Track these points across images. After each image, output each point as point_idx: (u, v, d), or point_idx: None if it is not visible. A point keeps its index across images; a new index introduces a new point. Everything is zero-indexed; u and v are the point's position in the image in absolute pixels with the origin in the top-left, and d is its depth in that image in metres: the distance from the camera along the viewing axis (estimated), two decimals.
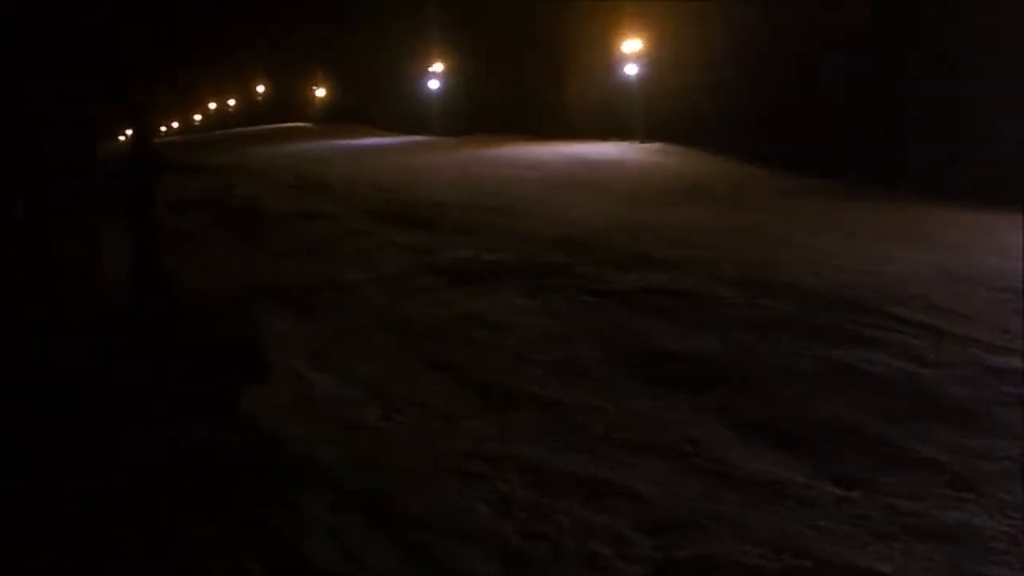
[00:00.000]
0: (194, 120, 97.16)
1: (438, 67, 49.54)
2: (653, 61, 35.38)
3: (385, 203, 23.71)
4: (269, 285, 16.35)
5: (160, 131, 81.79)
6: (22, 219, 16.44)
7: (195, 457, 9.09)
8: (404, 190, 25.76)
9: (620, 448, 8.73)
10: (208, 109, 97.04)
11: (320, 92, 68.33)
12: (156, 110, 17.72)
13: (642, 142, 34.32)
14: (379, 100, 56.93)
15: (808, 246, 16.65)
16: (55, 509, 8.35)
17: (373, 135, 50.37)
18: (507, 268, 15.89)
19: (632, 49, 35.67)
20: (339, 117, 62.25)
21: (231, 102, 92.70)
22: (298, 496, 8.03)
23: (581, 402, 9.92)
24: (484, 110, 44.97)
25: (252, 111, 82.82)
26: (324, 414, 10.12)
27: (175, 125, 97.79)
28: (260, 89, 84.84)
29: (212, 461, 8.94)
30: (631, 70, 35.73)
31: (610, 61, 36.66)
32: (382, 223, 21.18)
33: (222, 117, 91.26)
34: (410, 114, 51.84)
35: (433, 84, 49.86)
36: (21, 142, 17.22)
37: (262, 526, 7.60)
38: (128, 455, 9.34)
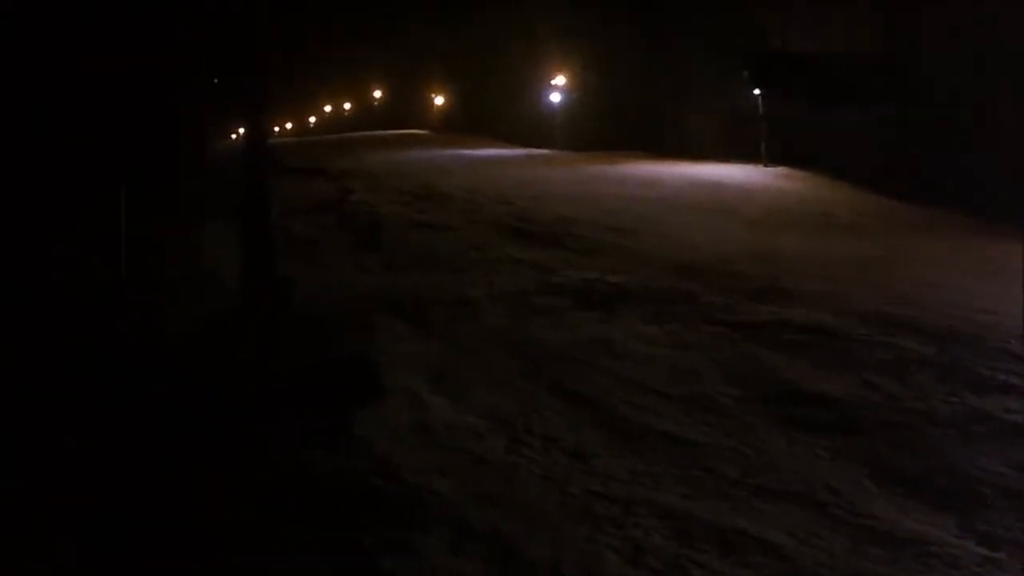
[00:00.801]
0: (308, 122, 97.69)
1: (560, 80, 48.99)
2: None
3: (507, 217, 23.38)
4: (386, 297, 16.05)
5: (274, 131, 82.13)
6: (124, 219, 16.23)
7: (308, 483, 8.73)
8: (525, 204, 25.39)
9: (757, 495, 8.23)
10: (323, 111, 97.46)
11: (438, 100, 68.22)
12: (270, 108, 17.00)
13: (766, 165, 33.63)
14: (499, 110, 56.63)
15: (945, 285, 16.00)
16: (180, 524, 8.12)
17: (492, 146, 50.10)
18: (632, 292, 15.48)
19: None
20: (457, 126, 62.16)
21: (346, 105, 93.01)
22: (414, 534, 7.60)
23: (714, 442, 9.44)
24: (606, 126, 44.49)
25: (367, 115, 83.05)
26: (444, 443, 9.68)
27: (289, 126, 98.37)
28: (376, 94, 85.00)
29: (326, 489, 8.56)
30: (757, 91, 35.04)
31: (737, 81, 35.96)
32: (504, 237, 20.89)
33: (337, 120, 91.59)
34: (530, 126, 51.50)
35: (555, 97, 49.31)
36: (123, 138, 17.05)
37: (376, 569, 7.22)
38: (244, 476, 9.04)
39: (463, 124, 61.45)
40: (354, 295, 16.67)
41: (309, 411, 10.55)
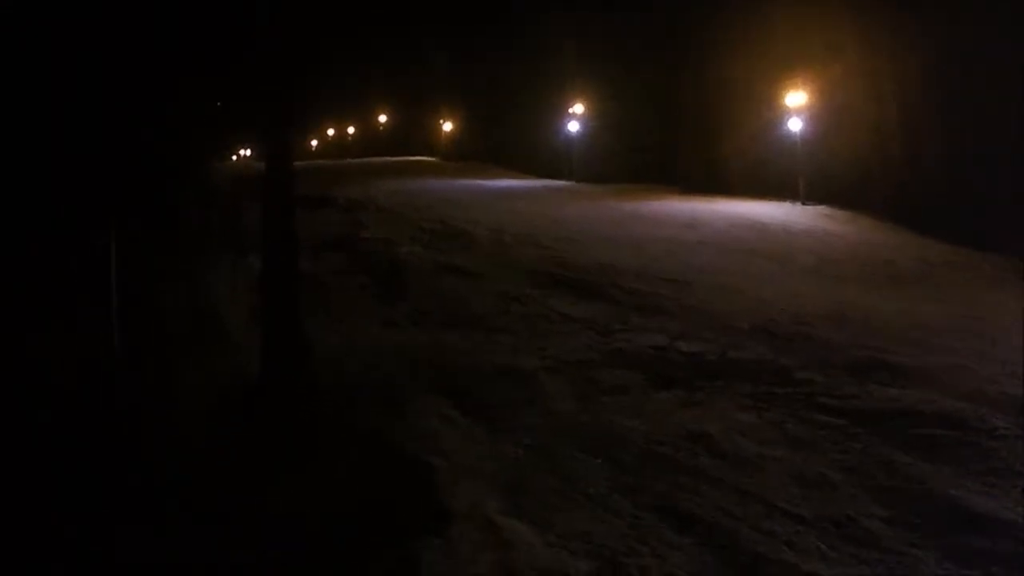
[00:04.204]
0: (310, 146, 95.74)
1: (579, 109, 46.82)
2: (816, 114, 32.51)
3: (541, 262, 21.29)
4: (424, 364, 14.03)
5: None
6: (114, 266, 14.07)
7: None
8: (559, 247, 23.29)
9: None
10: (326, 135, 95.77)
11: (447, 126, 66.18)
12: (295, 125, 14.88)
13: (803, 203, 31.54)
14: (512, 139, 54.56)
15: None
16: None
17: (506, 176, 48.10)
18: (712, 365, 13.45)
19: (795, 102, 32.81)
20: (467, 154, 60.24)
21: (350, 129, 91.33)
22: None
23: None
24: (627, 158, 42.44)
25: (372, 140, 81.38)
26: None
27: None
28: (382, 118, 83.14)
29: None
30: (793, 124, 32.86)
31: (771, 113, 33.85)
32: (543, 288, 18.83)
33: (340, 144, 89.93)
34: (545, 156, 49.42)
35: (572, 126, 47.10)
36: (113, 168, 15.09)
37: None
38: None
39: (473, 152, 59.47)
40: (386, 359, 14.68)
41: (360, 545, 8.37)
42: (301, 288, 14.86)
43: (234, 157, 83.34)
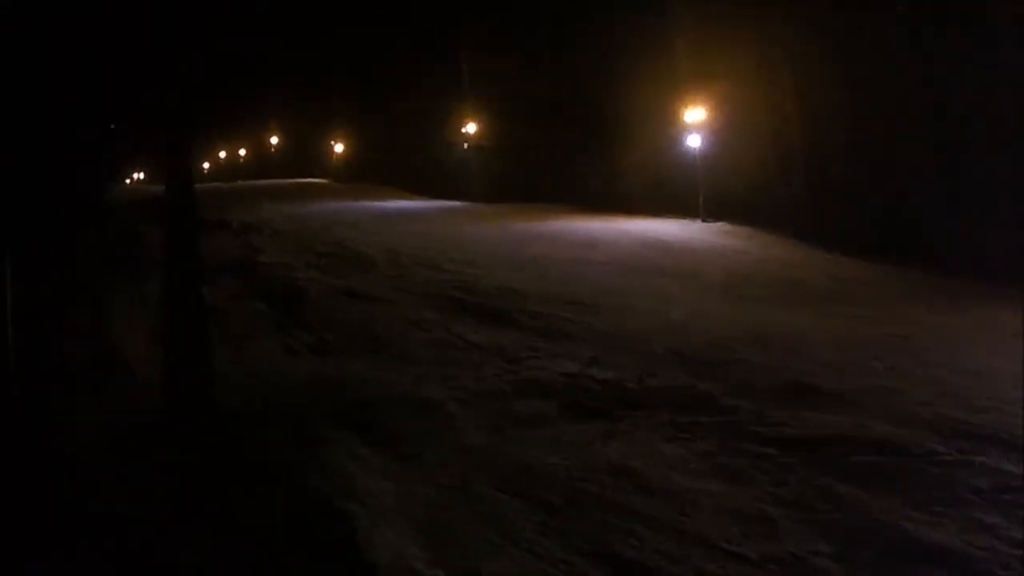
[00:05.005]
0: (202, 168, 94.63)
1: (471, 128, 46.21)
2: (716, 131, 32.19)
3: (441, 285, 20.62)
4: (329, 396, 13.31)
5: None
6: (8, 294, 13.18)
7: None
8: (459, 269, 22.62)
9: None
10: (218, 157, 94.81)
11: (338, 147, 65.30)
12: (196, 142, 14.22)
13: (704, 220, 31.21)
14: (404, 159, 53.94)
15: (993, 372, 13.45)
16: None
17: (400, 197, 47.33)
18: (632, 394, 12.83)
19: (694, 118, 32.44)
20: (359, 175, 59.52)
21: (242, 152, 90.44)
22: None
23: None
24: (522, 176, 41.97)
25: (264, 163, 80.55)
26: None
27: None
28: (273, 140, 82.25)
29: None
30: (692, 141, 32.49)
31: (671, 130, 33.43)
32: (445, 313, 18.20)
33: (232, 167, 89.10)
34: (437, 177, 48.82)
35: (465, 146, 46.45)
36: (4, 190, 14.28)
37: None
38: None
39: (365, 173, 58.71)
40: (288, 390, 13.92)
41: None
42: (206, 316, 14.10)
43: (127, 180, 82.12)
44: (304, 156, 71.38)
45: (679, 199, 32.91)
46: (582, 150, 39.15)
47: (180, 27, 13.81)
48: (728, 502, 9.26)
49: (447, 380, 13.77)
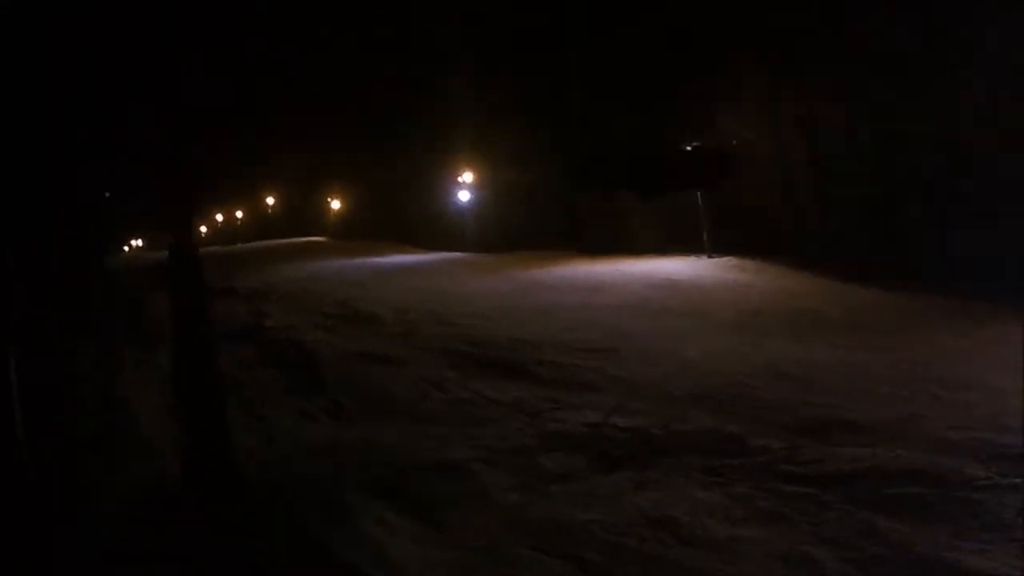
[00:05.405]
0: (200, 232, 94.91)
1: (468, 177, 46.14)
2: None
3: (454, 341, 20.40)
4: (351, 462, 13.08)
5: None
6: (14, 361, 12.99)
7: None
8: (469, 323, 22.48)
9: None
10: (215, 221, 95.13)
11: (335, 204, 65.33)
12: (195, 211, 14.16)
13: (710, 256, 31.11)
14: (401, 213, 53.94)
15: (1017, 392, 13.24)
16: None
17: (399, 251, 47.24)
18: (658, 440, 12.62)
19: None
20: (357, 231, 59.52)
21: (239, 214, 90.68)
22: None
23: None
24: (522, 224, 41.89)
25: (262, 223, 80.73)
26: None
27: None
28: (270, 200, 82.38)
29: None
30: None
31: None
32: (461, 370, 17.94)
33: (230, 229, 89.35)
34: (437, 228, 48.82)
35: (463, 196, 46.39)
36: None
37: None
38: None
39: (363, 229, 58.72)
40: (308, 457, 13.66)
41: None
42: (223, 384, 13.90)
43: (125, 247, 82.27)
44: (301, 215, 71.54)
45: (684, 237, 32.90)
46: (584, 193, 39.10)
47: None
48: (770, 546, 9.09)
49: (470, 440, 13.55)
